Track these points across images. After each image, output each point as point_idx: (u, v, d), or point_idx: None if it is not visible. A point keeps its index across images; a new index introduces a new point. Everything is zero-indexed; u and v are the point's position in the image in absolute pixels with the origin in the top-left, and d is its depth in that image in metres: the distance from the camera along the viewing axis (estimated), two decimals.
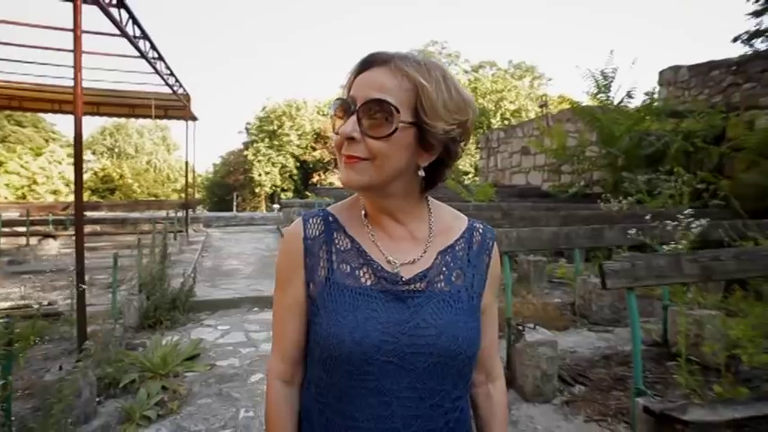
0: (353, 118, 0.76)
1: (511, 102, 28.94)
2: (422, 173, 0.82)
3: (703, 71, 11.75)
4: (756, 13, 13.42)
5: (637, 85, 35.91)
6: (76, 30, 3.37)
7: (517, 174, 12.91)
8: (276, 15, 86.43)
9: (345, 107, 0.79)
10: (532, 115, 23.65)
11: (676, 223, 2.82)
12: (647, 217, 3.30)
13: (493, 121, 27.82)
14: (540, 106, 15.54)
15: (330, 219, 0.89)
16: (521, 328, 3.00)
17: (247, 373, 3.90)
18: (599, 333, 3.99)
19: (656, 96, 9.38)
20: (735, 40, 14.54)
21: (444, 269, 0.86)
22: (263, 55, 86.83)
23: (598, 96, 7.82)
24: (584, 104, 8.30)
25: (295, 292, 0.87)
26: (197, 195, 22.85)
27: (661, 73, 13.01)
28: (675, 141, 6.20)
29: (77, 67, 3.36)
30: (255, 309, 5.83)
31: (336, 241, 0.86)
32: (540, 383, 2.84)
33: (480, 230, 0.93)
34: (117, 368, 3.53)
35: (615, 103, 7.74)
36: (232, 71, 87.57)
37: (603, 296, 4.29)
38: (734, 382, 2.60)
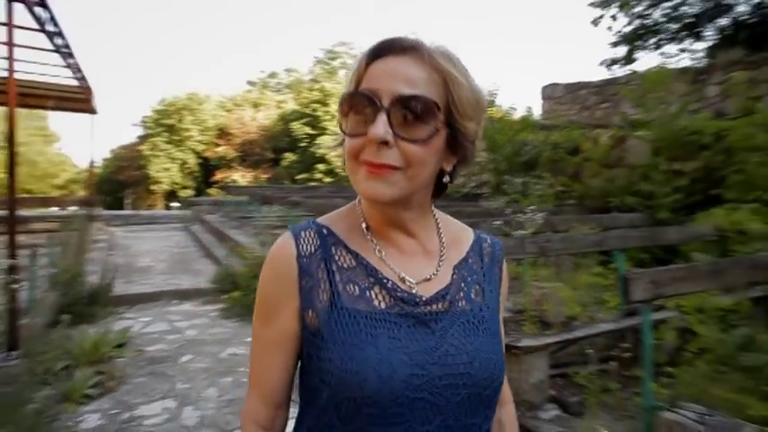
0: (383, 118, 0.64)
1: None
2: (447, 179, 0.73)
3: (574, 89, 13.79)
4: (614, 44, 15.98)
5: (525, 98, 40.14)
6: (10, 24, 3.59)
7: None
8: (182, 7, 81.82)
9: (365, 103, 0.65)
10: None
11: (526, 216, 3.81)
12: (508, 211, 4.30)
13: None
14: None
15: (324, 231, 0.74)
16: None
17: (178, 355, 4.28)
18: None
19: (536, 109, 10.93)
20: (600, 64, 17.11)
21: (463, 285, 0.76)
22: (162, 49, 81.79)
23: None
24: None
25: (284, 324, 0.72)
26: (81, 192, 21.18)
27: (543, 89, 14.98)
28: (545, 151, 7.51)
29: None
30: (175, 301, 6.09)
31: (337, 258, 0.72)
32: None
33: (488, 241, 0.85)
34: (48, 358, 3.74)
35: (499, 115, 9.03)
36: (131, 66, 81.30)
37: None
38: (560, 328, 3.62)
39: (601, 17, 15.96)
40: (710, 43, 14.48)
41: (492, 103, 8.64)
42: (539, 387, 2.85)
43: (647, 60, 40.57)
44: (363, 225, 0.76)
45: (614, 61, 15.62)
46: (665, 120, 6.00)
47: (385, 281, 0.71)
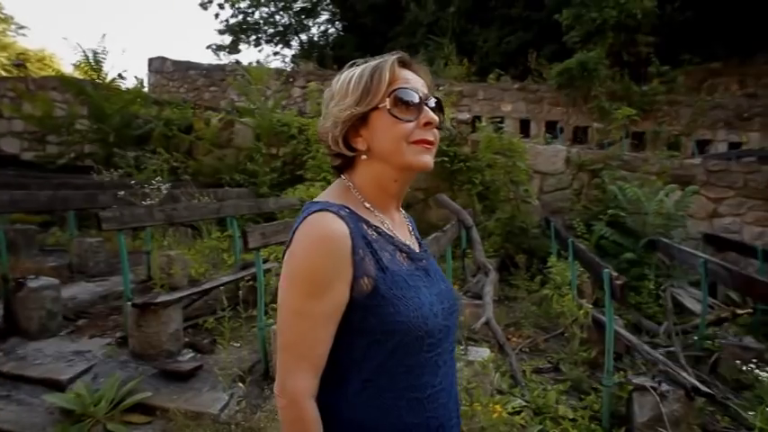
0: (430, 108, 0.92)
1: None
2: None
3: (184, 68, 13.98)
4: (221, 31, 17.10)
5: (128, 68, 36.76)
6: None
7: None
8: None
9: (416, 98, 0.91)
10: None
11: (152, 187, 4.02)
12: (133, 182, 4.35)
13: None
14: (17, 66, 13.56)
15: (347, 211, 0.89)
16: (21, 279, 3.37)
17: None
18: (97, 282, 4.73)
19: (145, 82, 10.53)
20: (208, 47, 17.89)
21: (422, 244, 1.06)
22: None
23: (89, 72, 8.12)
24: (73, 76, 8.37)
25: (337, 297, 0.85)
26: None
27: (150, 61, 14.36)
28: (158, 126, 7.55)
29: None
30: None
31: (368, 231, 0.90)
32: (46, 321, 3.35)
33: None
34: None
35: (107, 81, 8.30)
36: None
37: (99, 253, 5.02)
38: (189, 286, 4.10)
39: (210, 1, 16.69)
40: (295, 52, 17.74)
41: (99, 69, 7.84)
42: (175, 336, 3.24)
43: (249, 54, 44.73)
44: (366, 204, 0.96)
45: (220, 48, 16.80)
46: (264, 111, 7.26)
47: (401, 246, 0.95)
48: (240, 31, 16.96)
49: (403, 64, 0.96)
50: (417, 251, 1.00)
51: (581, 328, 3.79)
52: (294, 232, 0.88)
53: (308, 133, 6.93)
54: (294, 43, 17.85)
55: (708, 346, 3.93)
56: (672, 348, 3.77)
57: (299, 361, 0.85)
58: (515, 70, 12.35)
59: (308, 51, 16.94)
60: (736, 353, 3.72)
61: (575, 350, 3.70)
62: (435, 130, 0.94)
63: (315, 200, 0.94)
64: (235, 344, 3.43)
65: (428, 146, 0.92)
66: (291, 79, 12.12)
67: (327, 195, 0.96)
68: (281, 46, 17.91)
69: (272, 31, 17.27)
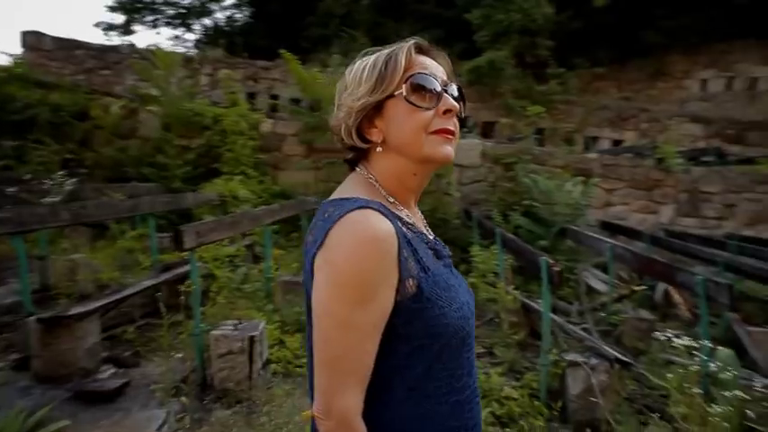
0: (450, 96, 0.86)
1: None
2: None
3: (69, 47, 12.37)
4: (111, 8, 15.40)
5: None
6: None
7: None
8: None
9: (435, 85, 0.85)
10: None
11: (53, 182, 3.50)
12: (27, 177, 3.76)
13: None
14: None
15: (383, 208, 0.81)
16: None
17: None
18: None
19: (21, 60, 9.17)
20: (96, 25, 16.03)
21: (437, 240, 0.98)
22: None
23: None
24: None
25: (384, 303, 0.78)
26: None
27: (24, 35, 12.51)
28: (43, 112, 6.62)
29: None
30: None
31: (404, 229, 0.83)
32: None
33: None
34: None
35: None
36: None
37: None
38: (99, 293, 3.66)
39: None
40: (198, 37, 16.57)
41: None
42: (93, 351, 2.87)
43: (144, 36, 40.92)
44: (390, 198, 0.89)
45: (111, 27, 15.11)
46: (173, 99, 6.69)
47: (432, 243, 0.91)
48: (134, 10, 15.41)
49: (420, 50, 0.90)
50: (441, 248, 0.95)
51: (509, 312, 4.04)
52: (327, 232, 0.78)
53: (223, 124, 6.53)
54: (197, 27, 16.68)
55: (614, 320, 4.39)
56: (586, 325, 4.16)
57: (347, 377, 0.77)
58: None
59: (212, 37, 15.91)
60: (635, 324, 4.21)
61: (506, 334, 3.92)
62: (455, 120, 0.88)
63: (342, 196, 0.85)
64: (163, 354, 3.13)
65: (449, 136, 0.86)
66: (198, 66, 11.32)
67: (350, 190, 0.87)
68: (182, 30, 16.63)
69: (171, 12, 15.94)
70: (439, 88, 0.86)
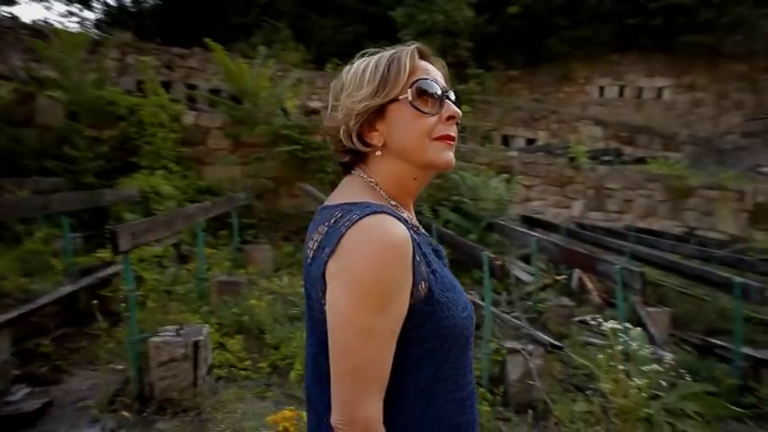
0: (453, 102, 0.87)
1: None
2: None
3: None
4: None
5: None
6: None
7: None
8: None
9: (439, 91, 0.86)
10: None
11: None
12: None
13: None
14: None
15: (395, 213, 0.81)
16: None
17: None
18: None
19: None
20: None
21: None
22: None
23: None
24: None
25: (401, 308, 0.78)
26: None
27: None
28: None
29: None
30: None
31: (412, 233, 0.81)
32: None
33: None
34: None
35: None
36: None
37: None
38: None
39: None
40: (99, 16, 15.06)
41: None
42: (3, 370, 2.54)
43: (31, 9, 36.21)
44: (392, 202, 0.89)
45: None
46: (80, 85, 6.04)
47: (433, 244, 0.91)
48: None
49: (421, 55, 0.90)
50: (440, 248, 0.96)
51: None
52: (340, 239, 0.76)
53: (140, 114, 6.03)
54: (97, 6, 15.14)
55: (540, 308, 4.75)
56: (516, 314, 4.45)
57: (370, 385, 0.76)
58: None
59: (116, 18, 14.55)
60: (557, 311, 4.59)
61: None
62: (455, 127, 0.89)
63: (347, 201, 0.83)
64: (89, 367, 2.86)
65: (451, 142, 0.87)
66: (101, 49, 10.29)
67: (353, 194, 0.86)
68: (79, 7, 14.99)
69: None
70: (441, 94, 0.87)
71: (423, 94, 0.85)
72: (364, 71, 0.87)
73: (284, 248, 5.88)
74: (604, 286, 5.56)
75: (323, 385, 0.83)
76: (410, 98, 0.84)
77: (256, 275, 4.71)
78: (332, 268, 0.76)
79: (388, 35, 12.55)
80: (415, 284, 0.78)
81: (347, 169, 0.95)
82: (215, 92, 7.80)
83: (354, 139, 0.88)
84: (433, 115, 0.85)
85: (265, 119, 6.34)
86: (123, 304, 3.09)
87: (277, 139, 6.29)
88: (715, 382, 3.38)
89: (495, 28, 13.21)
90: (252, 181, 6.43)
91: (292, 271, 5.21)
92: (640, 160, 8.92)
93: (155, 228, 2.90)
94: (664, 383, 2.63)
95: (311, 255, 0.83)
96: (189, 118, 6.38)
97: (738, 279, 3.54)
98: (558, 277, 5.16)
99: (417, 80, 0.85)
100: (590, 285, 5.61)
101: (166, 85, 9.76)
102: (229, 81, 6.50)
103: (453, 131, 0.87)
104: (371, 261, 0.74)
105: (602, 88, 13.27)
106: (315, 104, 7.04)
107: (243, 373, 3.05)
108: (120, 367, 2.86)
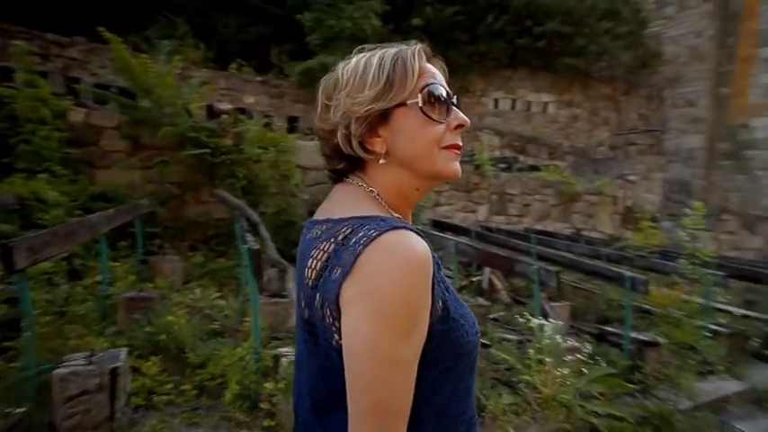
0: (459, 109, 0.83)
1: None
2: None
3: None
4: None
5: None
6: None
7: None
8: None
9: (447, 96, 0.81)
10: None
11: None
12: None
13: None
14: None
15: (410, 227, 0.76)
16: None
17: None
18: None
19: None
20: None
21: None
22: None
23: None
24: None
25: (424, 331, 0.72)
26: None
27: None
28: None
29: None
30: None
31: None
32: None
33: None
34: None
35: None
36: None
37: None
38: None
39: None
40: None
41: None
42: None
43: None
44: (395, 215, 0.82)
45: None
46: None
47: (435, 257, 0.82)
48: None
49: (428, 58, 0.85)
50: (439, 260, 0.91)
51: None
52: (356, 258, 0.69)
53: (14, 108, 5.22)
54: None
55: None
56: None
57: (396, 420, 0.69)
58: (257, 62, 12.27)
59: None
60: (476, 310, 4.78)
61: None
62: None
63: (353, 215, 0.76)
64: None
65: (458, 152, 0.83)
66: None
67: (357, 207, 0.79)
68: None
69: None
70: (449, 99, 0.83)
71: (433, 99, 0.80)
72: (366, 70, 0.81)
73: (193, 259, 5.47)
74: (511, 285, 6.01)
75: (326, 418, 0.77)
76: (420, 104, 0.79)
77: (166, 289, 4.32)
78: (349, 291, 0.69)
79: (294, 38, 12.34)
80: (433, 303, 0.73)
81: (339, 176, 0.88)
82: (103, 87, 7.02)
83: (355, 145, 0.81)
84: (442, 123, 0.81)
85: (170, 120, 5.85)
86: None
87: (183, 142, 5.84)
88: (611, 364, 3.82)
89: (399, 38, 13.61)
90: (154, 186, 5.89)
91: (204, 283, 4.88)
92: (534, 168, 9.79)
93: (55, 241, 2.51)
94: (585, 371, 2.91)
95: (312, 275, 0.75)
96: (77, 115, 5.66)
97: (628, 273, 4.04)
98: (474, 278, 5.44)
99: (428, 85, 0.80)
100: (499, 285, 6.01)
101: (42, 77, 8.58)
102: (128, 77, 5.89)
103: (460, 140, 0.84)
104: (398, 282, 0.67)
105: (496, 100, 14.32)
106: (224, 106, 6.66)
107: (165, 398, 2.76)
108: (12, 410, 2.43)
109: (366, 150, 0.82)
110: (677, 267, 4.81)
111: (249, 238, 3.35)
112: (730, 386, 4.01)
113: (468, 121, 0.85)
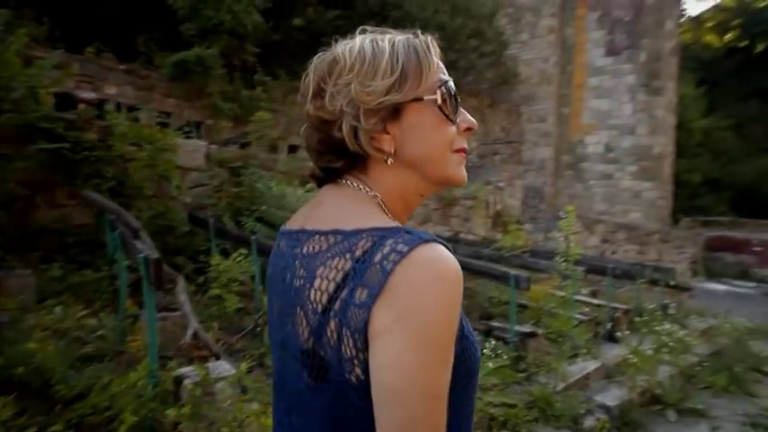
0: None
1: None
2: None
3: None
4: None
5: None
6: None
7: None
8: None
9: (456, 96, 0.76)
10: None
11: None
12: None
13: None
14: None
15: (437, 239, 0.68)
16: None
17: None
18: None
19: None
20: None
21: None
22: None
23: None
24: None
25: (453, 355, 0.64)
26: None
27: None
28: None
29: None
30: None
31: None
32: None
33: None
34: None
35: None
36: None
37: None
38: None
39: None
40: None
41: None
42: None
43: None
44: (397, 222, 0.72)
45: None
46: None
47: None
48: None
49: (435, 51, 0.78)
50: None
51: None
52: (387, 277, 0.60)
53: None
54: None
55: None
56: None
57: None
58: (120, 48, 10.90)
59: None
60: None
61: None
62: None
63: (368, 225, 0.67)
64: None
65: (465, 156, 0.78)
66: None
67: (366, 214, 0.70)
68: None
69: None
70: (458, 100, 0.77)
71: (451, 97, 0.74)
72: (376, 55, 0.72)
73: (48, 272, 4.64)
74: None
75: None
76: (439, 101, 0.72)
77: (15, 310, 3.59)
78: (383, 317, 0.60)
79: (164, 25, 11.22)
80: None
81: (328, 176, 0.79)
82: None
83: (365, 142, 0.71)
84: (455, 124, 0.75)
85: (13, 106, 4.89)
86: None
87: (33, 134, 4.93)
88: (499, 357, 4.18)
89: (279, 37, 13.26)
90: None
91: (65, 300, 4.16)
92: None
93: None
94: (490, 365, 3.13)
95: (322, 299, 0.65)
96: None
97: (513, 272, 4.45)
98: None
99: (446, 81, 0.74)
100: None
101: None
102: None
103: (466, 144, 0.78)
104: (440, 303, 0.60)
105: None
106: (88, 95, 5.79)
107: None
108: None
109: (374, 148, 0.73)
110: (547, 265, 5.44)
111: (139, 245, 2.94)
112: (590, 365, 4.66)
113: (476, 124, 0.80)
